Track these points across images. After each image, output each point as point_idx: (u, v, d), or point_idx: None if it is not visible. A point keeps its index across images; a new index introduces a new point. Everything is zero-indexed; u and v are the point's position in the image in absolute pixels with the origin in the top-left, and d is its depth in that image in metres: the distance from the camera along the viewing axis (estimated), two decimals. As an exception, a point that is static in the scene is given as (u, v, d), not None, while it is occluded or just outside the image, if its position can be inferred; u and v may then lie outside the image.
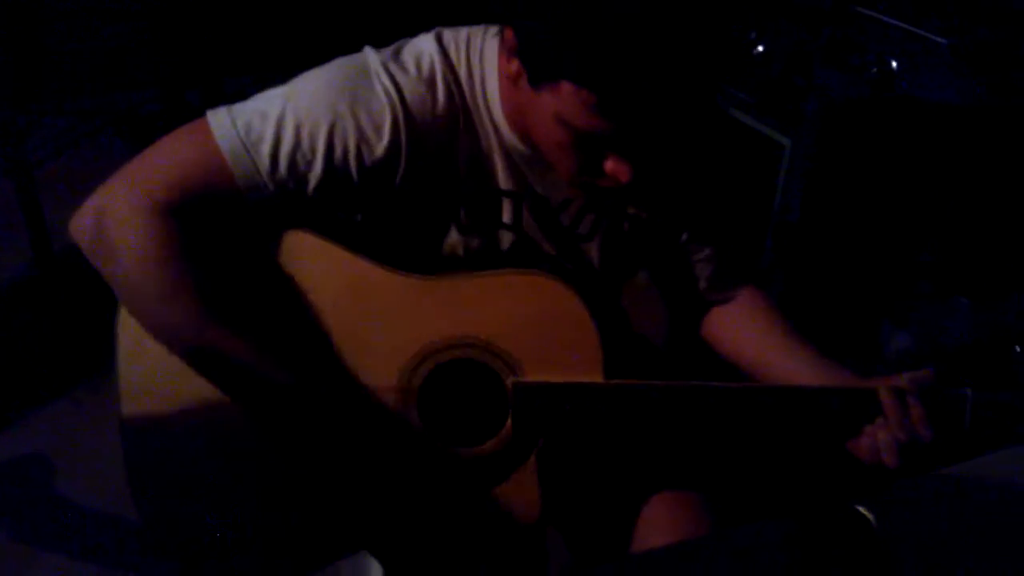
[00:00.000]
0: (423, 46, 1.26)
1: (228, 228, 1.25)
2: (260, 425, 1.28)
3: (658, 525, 1.44)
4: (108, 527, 2.35)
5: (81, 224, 1.22)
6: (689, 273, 1.49)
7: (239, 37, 4.10)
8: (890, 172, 2.34)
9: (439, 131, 1.25)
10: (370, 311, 1.28)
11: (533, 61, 1.13)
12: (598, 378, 1.27)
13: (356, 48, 1.29)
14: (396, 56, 1.25)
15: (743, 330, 1.48)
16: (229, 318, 1.21)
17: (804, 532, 1.03)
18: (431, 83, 1.24)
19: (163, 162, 1.22)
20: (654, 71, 1.05)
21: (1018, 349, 1.26)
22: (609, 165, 1.18)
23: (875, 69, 2.32)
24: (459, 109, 1.25)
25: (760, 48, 2.50)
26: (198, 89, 3.92)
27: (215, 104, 1.26)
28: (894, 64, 2.29)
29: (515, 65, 1.17)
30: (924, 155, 2.32)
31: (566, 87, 1.09)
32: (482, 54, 1.26)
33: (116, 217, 1.20)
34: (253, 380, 1.22)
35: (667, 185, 1.39)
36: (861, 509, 1.03)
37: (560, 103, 1.11)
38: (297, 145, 1.20)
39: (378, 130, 1.21)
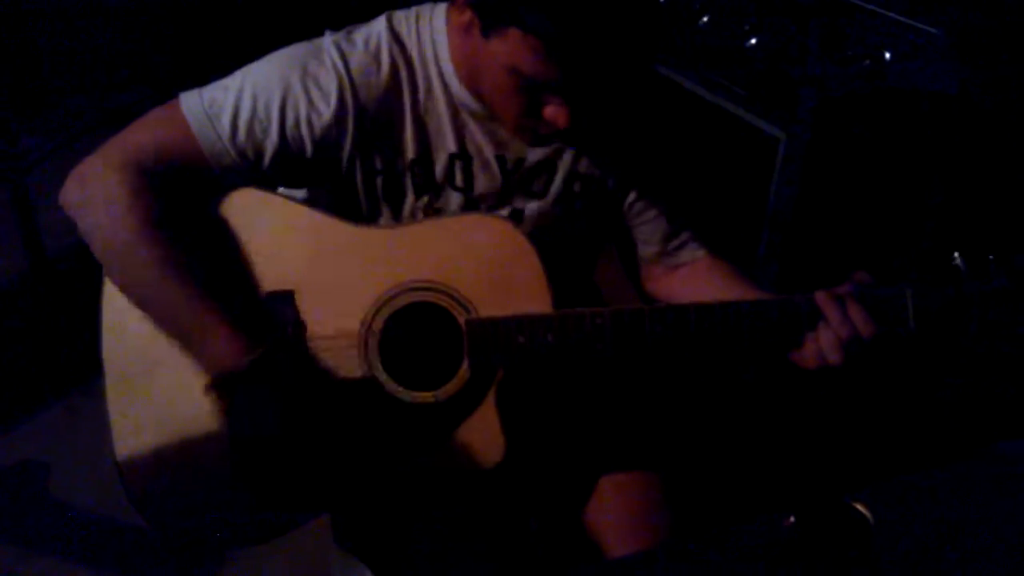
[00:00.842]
0: (373, 26, 1.38)
1: (195, 193, 1.34)
2: (207, 373, 1.30)
3: (613, 501, 1.50)
4: (104, 530, 2.35)
5: (67, 191, 1.32)
6: (643, 234, 1.54)
7: (231, 37, 4.10)
8: (885, 164, 2.34)
9: (385, 98, 1.34)
10: (327, 260, 1.34)
11: (484, 9, 1.22)
12: (548, 310, 1.31)
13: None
14: (347, 35, 1.37)
15: (701, 292, 1.51)
16: (193, 265, 1.29)
17: (801, 528, 1.03)
18: (376, 54, 1.34)
19: (138, 134, 1.33)
20: (598, 18, 1.15)
21: (956, 255, 1.26)
22: (548, 110, 1.26)
23: (868, 61, 2.32)
24: (403, 75, 1.35)
25: (753, 41, 2.50)
26: (189, 89, 3.92)
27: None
28: (887, 55, 2.29)
29: (467, 15, 1.26)
30: (918, 146, 2.31)
31: (514, 34, 1.18)
32: (432, 19, 1.36)
33: (94, 177, 1.31)
34: (204, 328, 1.27)
35: (611, 142, 1.44)
36: (858, 506, 1.03)
37: (508, 51, 1.20)
38: (254, 113, 1.31)
39: (326, 98, 1.32)
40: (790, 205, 2.40)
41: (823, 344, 1.27)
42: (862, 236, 2.41)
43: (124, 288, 1.32)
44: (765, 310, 1.29)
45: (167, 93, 1.37)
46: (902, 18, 2.26)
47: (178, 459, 1.35)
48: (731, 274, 1.53)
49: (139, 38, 4.14)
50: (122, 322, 1.34)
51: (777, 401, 2.38)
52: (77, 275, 3.07)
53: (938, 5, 2.26)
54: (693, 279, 1.54)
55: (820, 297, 1.28)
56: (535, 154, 1.41)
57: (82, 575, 2.27)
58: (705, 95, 2.61)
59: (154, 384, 1.34)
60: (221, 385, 1.27)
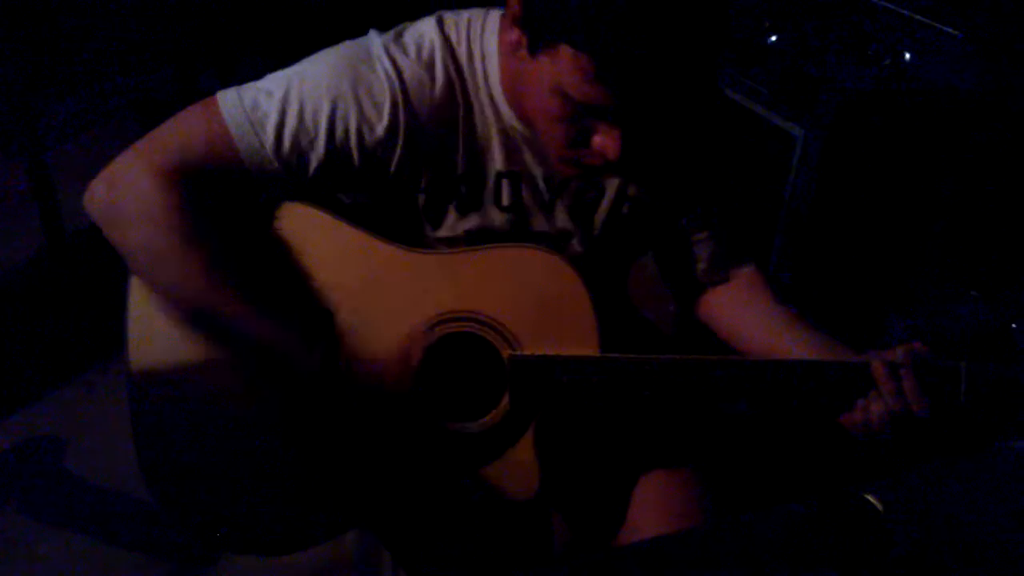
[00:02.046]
0: (424, 29, 1.29)
1: (234, 201, 1.28)
2: (261, 387, 1.30)
3: (651, 503, 1.47)
4: (119, 508, 2.37)
5: (93, 194, 1.26)
6: (689, 254, 1.49)
7: (252, 19, 4.11)
8: (902, 163, 2.34)
9: (437, 112, 1.27)
10: (371, 284, 1.31)
11: (533, 26, 1.14)
12: (594, 351, 1.28)
13: (365, 30, 1.32)
14: (397, 39, 1.28)
15: (742, 311, 1.48)
16: (234, 277, 1.24)
17: (812, 519, 1.04)
18: (430, 65, 1.26)
19: (173, 136, 1.26)
20: (654, 38, 1.05)
21: (1015, 326, 1.25)
22: (597, 140, 1.18)
23: (888, 60, 2.32)
24: (458, 91, 1.28)
25: (773, 38, 2.50)
26: (211, 71, 3.94)
27: (228, 86, 1.29)
28: (907, 55, 2.29)
29: (515, 33, 1.18)
30: (937, 147, 2.31)
31: (565, 52, 1.10)
32: (482, 35, 1.28)
33: (126, 183, 1.24)
34: (255, 341, 1.25)
35: (665, 167, 1.39)
36: (869, 497, 1.04)
37: (557, 70, 1.12)
38: (301, 124, 1.24)
39: (379, 111, 1.25)
40: (806, 202, 2.40)
41: (873, 416, 1.24)
42: (878, 235, 2.41)
43: (164, 297, 1.28)
44: (821, 374, 1.26)
45: (189, 75, 1.35)
46: (923, 18, 2.26)
47: (205, 463, 1.34)
48: (771, 296, 1.48)
49: (163, 19, 4.14)
50: (150, 319, 1.30)
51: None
52: (95, 253, 3.10)
53: (959, 6, 2.25)
54: (735, 297, 1.49)
55: (876, 368, 1.23)
56: (582, 177, 1.35)
57: (98, 551, 2.28)
58: (724, 92, 2.60)
59: (182, 385, 1.31)
60: (296, 386, 1.25)
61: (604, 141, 1.17)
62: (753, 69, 2.53)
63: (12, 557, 2.25)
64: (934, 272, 2.39)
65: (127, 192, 1.24)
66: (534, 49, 1.15)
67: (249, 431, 1.32)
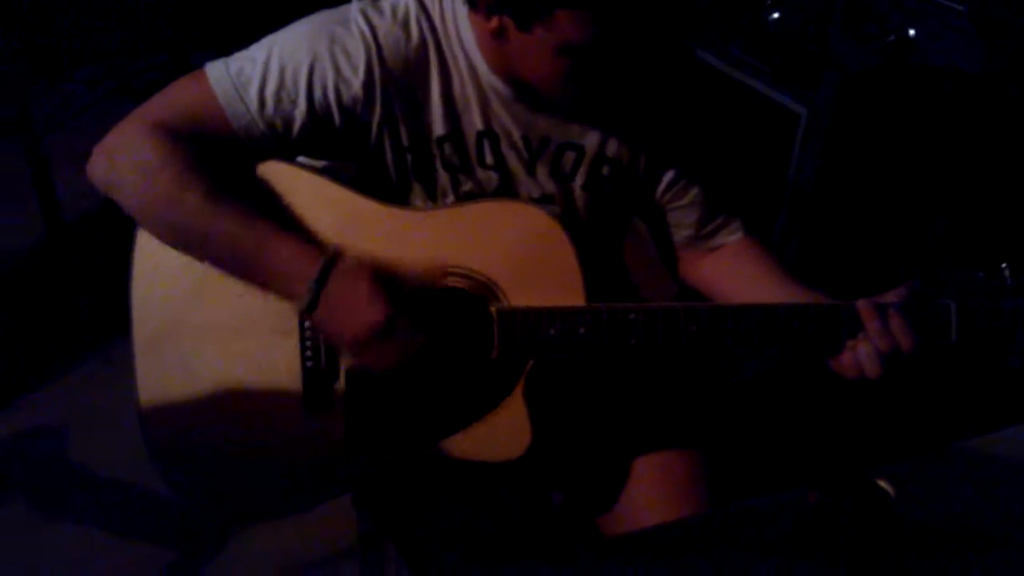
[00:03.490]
0: None
1: (225, 162, 1.32)
2: (276, 315, 1.30)
3: (650, 478, 1.48)
4: (121, 497, 2.37)
5: (94, 163, 1.31)
6: (676, 219, 1.51)
7: (249, 4, 4.09)
8: (906, 142, 2.33)
9: (413, 70, 1.32)
10: (359, 241, 1.32)
11: (519, 7, 1.19)
12: (581, 302, 1.30)
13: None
14: (374, 3, 1.34)
15: (735, 274, 1.50)
16: (237, 198, 1.28)
17: (822, 504, 1.03)
18: (405, 25, 1.32)
19: (165, 105, 1.32)
20: None
21: (1004, 266, 1.25)
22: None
23: (892, 37, 2.30)
24: (432, 49, 1.33)
25: (776, 15, 2.48)
26: (206, 54, 3.91)
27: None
28: (912, 32, 2.27)
29: (495, 21, 1.24)
30: (941, 124, 2.30)
31: (562, 16, 1.16)
32: (454, 5, 1.33)
33: (122, 146, 1.30)
34: (269, 245, 1.26)
35: (641, 125, 1.42)
36: (880, 482, 1.03)
37: (558, 32, 1.18)
38: (282, 84, 1.29)
39: (354, 68, 1.30)
40: (810, 181, 2.39)
41: (861, 355, 1.25)
42: (882, 213, 2.41)
43: (174, 240, 1.30)
44: (803, 315, 1.27)
45: (184, 59, 1.37)
46: (928, -6, 2.25)
47: (206, 419, 1.35)
48: (765, 259, 1.50)
49: (158, 2, 4.13)
50: (151, 285, 1.34)
51: (802, 381, 2.38)
52: (95, 238, 3.10)
53: (964, -19, 2.24)
54: (728, 263, 1.51)
55: (862, 306, 1.26)
56: (559, 135, 1.39)
57: (101, 540, 2.28)
58: (726, 70, 2.59)
59: (188, 348, 1.34)
60: (313, 288, 1.24)
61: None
62: (756, 48, 2.52)
63: (14, 547, 2.25)
64: (939, 251, 2.38)
65: (123, 151, 1.29)
66: (525, 25, 1.20)
67: (257, 388, 1.33)
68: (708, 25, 2.64)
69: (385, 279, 1.26)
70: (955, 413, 1.71)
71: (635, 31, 1.19)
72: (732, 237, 1.52)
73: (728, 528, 1.15)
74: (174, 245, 1.30)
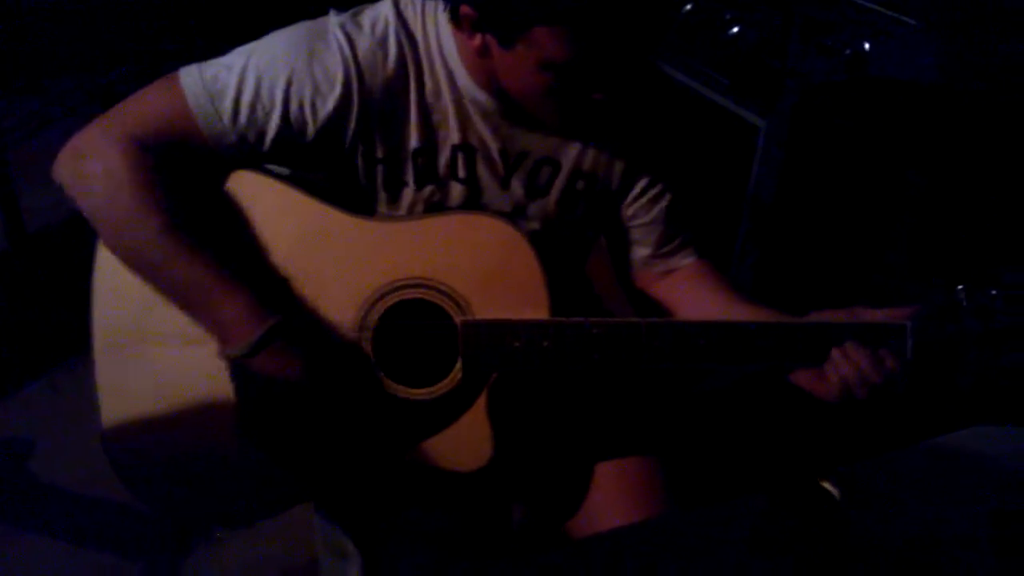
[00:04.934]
0: (381, 9, 1.34)
1: (193, 172, 1.32)
2: (216, 351, 1.30)
3: (610, 488, 1.49)
4: (86, 508, 2.35)
5: (61, 163, 1.31)
6: (637, 236, 1.52)
7: (215, 13, 4.08)
8: (865, 153, 2.36)
9: (391, 85, 1.32)
10: (325, 251, 1.33)
11: (500, 24, 1.20)
12: (545, 315, 1.30)
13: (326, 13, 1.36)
14: (354, 17, 1.33)
15: (691, 299, 1.51)
16: (195, 235, 1.28)
17: (771, 508, 1.05)
18: (383, 41, 1.31)
19: (135, 109, 1.32)
20: None
21: (960, 288, 1.28)
22: (599, 97, 1.25)
23: (849, 50, 2.33)
24: (410, 65, 1.32)
25: (735, 30, 2.51)
26: (177, 67, 3.89)
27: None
28: (867, 45, 2.31)
29: (478, 39, 1.24)
30: (898, 136, 2.33)
31: (540, 32, 1.16)
32: (438, 19, 1.33)
33: (90, 150, 1.29)
34: (216, 295, 1.27)
35: (617, 141, 1.42)
36: (826, 485, 1.05)
37: (538, 49, 1.18)
38: (257, 96, 1.29)
39: (331, 84, 1.29)
40: (770, 193, 2.41)
41: (831, 379, 1.27)
42: (841, 224, 2.43)
43: (128, 261, 1.30)
44: (768, 332, 1.29)
45: (154, 72, 1.36)
46: (882, 9, 2.28)
47: (169, 429, 1.35)
48: (720, 281, 1.51)
49: (126, 16, 4.11)
50: (115, 292, 1.34)
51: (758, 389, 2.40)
52: (59, 252, 3.08)
53: (918, -4, 2.28)
54: (682, 285, 1.52)
55: (831, 328, 1.28)
56: (539, 150, 1.39)
57: (65, 552, 2.26)
58: (686, 82, 2.62)
59: (146, 354, 1.34)
60: (246, 351, 1.26)
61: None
62: (715, 60, 2.54)
63: (-21, 560, 2.23)
64: (899, 262, 2.41)
65: (90, 156, 1.28)
66: (507, 43, 1.20)
67: (206, 398, 1.34)
68: (668, 38, 2.66)
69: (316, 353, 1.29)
70: (908, 418, 1.73)
71: (613, 47, 1.19)
72: (687, 260, 1.53)
73: (677, 533, 1.16)
74: (125, 262, 1.30)
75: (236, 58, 1.31)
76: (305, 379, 1.28)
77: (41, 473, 2.48)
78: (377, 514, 1.46)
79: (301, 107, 1.29)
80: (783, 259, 2.48)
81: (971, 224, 2.34)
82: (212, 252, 1.28)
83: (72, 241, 1.33)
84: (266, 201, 1.34)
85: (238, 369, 1.29)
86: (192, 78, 1.30)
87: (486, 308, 1.31)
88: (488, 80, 1.31)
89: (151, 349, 1.34)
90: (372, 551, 1.46)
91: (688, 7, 2.63)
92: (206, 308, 1.28)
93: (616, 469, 1.50)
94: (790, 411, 1.29)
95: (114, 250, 1.31)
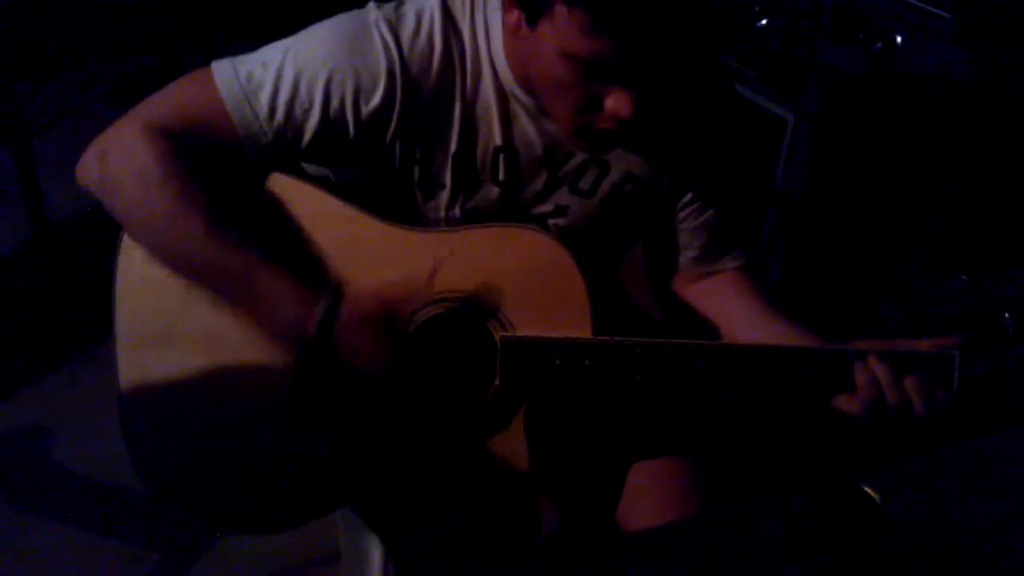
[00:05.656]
0: (426, 1, 1.28)
1: (228, 171, 1.27)
2: (263, 346, 1.28)
3: (644, 491, 1.47)
4: (105, 498, 2.36)
5: (87, 164, 1.25)
6: (681, 242, 1.48)
7: (238, 4, 4.08)
8: (893, 148, 2.34)
9: (436, 84, 1.26)
10: (362, 261, 1.29)
11: None
12: (587, 334, 1.28)
13: (358, 7, 1.31)
14: (398, 9, 1.27)
15: (727, 305, 1.48)
16: (233, 231, 1.23)
17: (809, 509, 1.03)
18: (430, 37, 1.25)
19: (166, 104, 1.26)
20: None
21: (1007, 315, 1.26)
22: (610, 102, 1.17)
23: (879, 44, 2.31)
24: (456, 62, 1.27)
25: (764, 21, 2.49)
26: (196, 56, 3.91)
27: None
28: (899, 39, 2.28)
29: (515, 14, 1.18)
30: (927, 131, 2.31)
31: (560, 12, 1.10)
32: (485, 6, 1.28)
33: (119, 149, 1.23)
34: (261, 289, 1.23)
35: (671, 143, 1.38)
36: (866, 487, 1.03)
37: (557, 33, 1.12)
38: (295, 94, 1.23)
39: (375, 81, 1.24)
40: (797, 187, 2.40)
41: (864, 402, 1.24)
42: (868, 219, 2.41)
43: (168, 261, 1.26)
44: (808, 358, 1.26)
45: (175, 62, 1.34)
46: (914, 1, 2.25)
47: (190, 431, 1.33)
48: (754, 294, 1.48)
49: (146, 4, 4.11)
50: (137, 289, 1.30)
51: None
52: (81, 241, 3.09)
53: (951, -11, 2.25)
54: (716, 291, 1.49)
55: (872, 362, 1.24)
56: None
57: (86, 542, 2.27)
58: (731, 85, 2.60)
59: (171, 352, 1.30)
60: (314, 329, 1.23)
61: (616, 101, 1.16)
62: (743, 53, 2.52)
63: (-2, 550, 2.24)
64: (926, 257, 2.39)
65: (120, 156, 1.23)
66: (533, 20, 1.15)
67: (245, 400, 1.31)
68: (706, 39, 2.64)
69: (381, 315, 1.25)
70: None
71: (635, 44, 1.10)
72: (732, 264, 1.49)
73: (712, 534, 1.15)
74: (161, 261, 1.27)
75: (273, 54, 1.25)
76: (372, 365, 1.25)
77: (62, 462, 2.48)
78: (407, 517, 1.44)
79: (342, 105, 1.24)
80: (810, 254, 2.46)
81: (999, 220, 2.31)
82: (252, 235, 1.23)
83: (95, 230, 1.31)
84: (300, 208, 1.30)
85: (308, 353, 1.26)
86: (226, 75, 1.24)
87: (528, 325, 1.28)
88: (523, 74, 1.26)
89: (179, 353, 1.30)
90: (398, 551, 1.45)
91: (716, -2, 2.61)
92: (258, 300, 1.24)
93: (649, 470, 1.48)
94: (828, 411, 1.27)
95: (147, 247, 1.27)
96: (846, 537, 1.02)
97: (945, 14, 2.23)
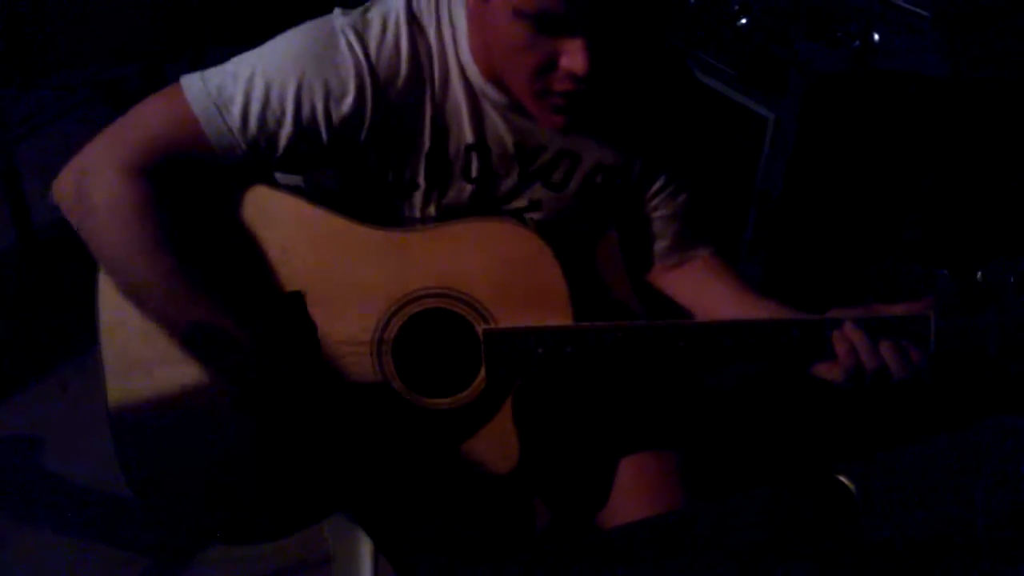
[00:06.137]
0: (390, 4, 1.29)
1: (201, 187, 1.29)
2: (226, 384, 1.29)
3: (631, 488, 1.48)
4: (95, 504, 2.35)
5: (62, 185, 1.27)
6: (656, 229, 1.49)
7: (222, 10, 4.07)
8: (873, 145, 2.35)
9: (404, 85, 1.27)
10: (340, 265, 1.31)
11: None
12: (568, 321, 1.29)
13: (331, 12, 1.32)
14: (363, 15, 1.28)
15: (702, 290, 1.49)
16: (201, 275, 1.25)
17: (786, 501, 1.04)
18: (396, 40, 1.26)
19: (140, 125, 1.27)
20: None
21: (980, 275, 1.27)
22: (565, 59, 1.14)
23: (857, 42, 2.33)
24: (424, 63, 1.28)
25: (743, 20, 2.50)
26: (179, 62, 3.91)
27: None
28: (876, 37, 2.30)
29: None
30: (907, 128, 2.33)
31: None
32: (451, 7, 1.29)
33: (94, 176, 1.24)
34: (218, 341, 1.24)
35: (638, 133, 1.39)
36: (842, 478, 1.04)
37: None
38: (267, 104, 1.24)
39: (344, 86, 1.25)
40: (778, 186, 2.41)
41: (843, 369, 1.26)
42: (850, 217, 2.43)
43: (129, 294, 1.27)
44: (786, 330, 1.28)
45: (158, 67, 1.34)
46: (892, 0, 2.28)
47: (179, 443, 1.34)
48: (730, 276, 1.50)
49: (130, 9, 4.11)
50: (120, 318, 1.30)
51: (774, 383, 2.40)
52: (67, 249, 3.07)
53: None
54: (692, 277, 1.51)
55: (848, 329, 1.26)
56: (557, 143, 1.35)
57: (75, 548, 2.26)
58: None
59: (155, 380, 1.31)
60: (246, 395, 1.26)
61: (571, 58, 1.14)
62: (723, 52, 2.54)
63: (-12, 556, 2.24)
64: (910, 254, 2.41)
65: (94, 186, 1.24)
66: None
67: (223, 421, 1.32)
68: (675, 30, 2.66)
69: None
70: (929, 407, 1.72)
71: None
72: (703, 252, 1.51)
73: (692, 527, 1.16)
74: (123, 291, 1.28)
75: (242, 66, 1.26)
76: (309, 406, 1.28)
77: (49, 470, 2.48)
78: (400, 520, 1.45)
79: (313, 112, 1.25)
80: (792, 252, 2.47)
81: (980, 215, 2.33)
82: (215, 289, 1.25)
83: (80, 238, 1.31)
84: (278, 215, 1.31)
85: (247, 395, 1.28)
86: (196, 89, 1.25)
87: (509, 317, 1.29)
88: (489, 67, 1.27)
89: (166, 370, 1.30)
90: (391, 553, 1.45)
91: (695, -2, 2.63)
92: (206, 351, 1.26)
93: (634, 464, 1.49)
94: (807, 404, 1.28)
95: (114, 280, 1.28)
96: (823, 528, 1.03)
97: (923, 12, 2.25)
